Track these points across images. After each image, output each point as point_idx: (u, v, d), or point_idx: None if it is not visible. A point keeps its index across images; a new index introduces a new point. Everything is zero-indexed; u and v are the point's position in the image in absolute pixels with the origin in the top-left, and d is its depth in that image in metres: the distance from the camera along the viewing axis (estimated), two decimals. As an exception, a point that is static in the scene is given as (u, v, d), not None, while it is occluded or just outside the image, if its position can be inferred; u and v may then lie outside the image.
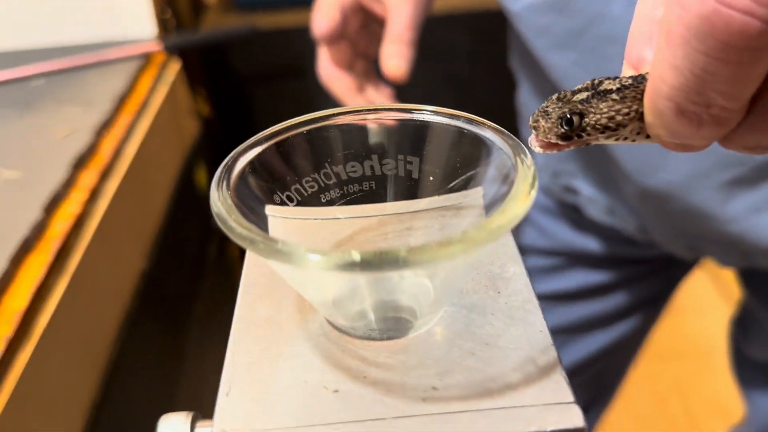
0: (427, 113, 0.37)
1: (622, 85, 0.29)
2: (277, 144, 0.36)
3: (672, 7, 0.22)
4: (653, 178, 0.59)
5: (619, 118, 0.29)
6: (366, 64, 0.72)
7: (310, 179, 0.37)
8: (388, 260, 0.28)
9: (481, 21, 1.25)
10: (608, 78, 0.30)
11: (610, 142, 0.31)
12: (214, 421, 0.31)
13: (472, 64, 1.28)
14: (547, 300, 0.81)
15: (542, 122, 0.31)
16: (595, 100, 0.30)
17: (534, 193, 0.31)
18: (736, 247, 0.60)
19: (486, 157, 0.36)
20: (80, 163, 0.72)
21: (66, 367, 0.58)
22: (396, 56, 0.62)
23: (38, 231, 0.62)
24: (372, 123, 0.38)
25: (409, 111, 0.37)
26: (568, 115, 0.30)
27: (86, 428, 0.60)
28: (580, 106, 0.30)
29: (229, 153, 0.35)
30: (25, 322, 0.55)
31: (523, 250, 0.81)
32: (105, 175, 0.73)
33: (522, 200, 0.30)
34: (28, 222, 0.61)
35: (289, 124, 0.37)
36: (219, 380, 0.33)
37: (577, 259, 0.79)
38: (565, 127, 0.30)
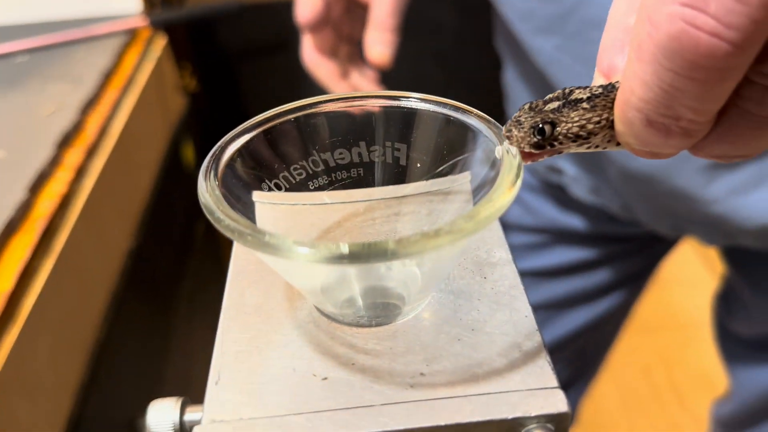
0: (414, 100, 0.37)
1: (593, 94, 0.29)
2: (264, 132, 0.36)
3: (643, 23, 0.22)
4: (636, 161, 0.59)
5: (590, 126, 0.30)
6: (350, 48, 0.72)
7: (298, 166, 0.37)
8: (377, 252, 0.28)
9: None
10: (579, 87, 0.31)
11: (582, 150, 0.31)
12: (204, 411, 0.31)
13: (459, 41, 1.27)
14: (531, 276, 0.82)
15: (515, 132, 0.31)
16: (566, 109, 0.30)
17: (519, 182, 0.31)
18: (718, 227, 0.61)
19: (472, 143, 0.36)
20: (66, 141, 0.72)
21: (53, 349, 0.58)
22: (379, 43, 0.63)
23: (23, 211, 0.62)
24: (359, 110, 0.38)
25: (397, 98, 0.37)
26: (540, 125, 0.30)
27: (74, 410, 0.60)
28: (551, 115, 0.30)
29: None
30: (10, 303, 0.55)
31: (508, 228, 0.82)
32: (91, 153, 0.73)
33: (507, 190, 0.30)
34: (13, 202, 0.61)
35: (276, 112, 0.37)
36: (207, 359, 0.34)
37: (561, 236, 0.80)
38: (538, 137, 0.30)
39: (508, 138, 0.32)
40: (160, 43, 1.00)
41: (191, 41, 1.26)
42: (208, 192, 0.31)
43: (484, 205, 0.30)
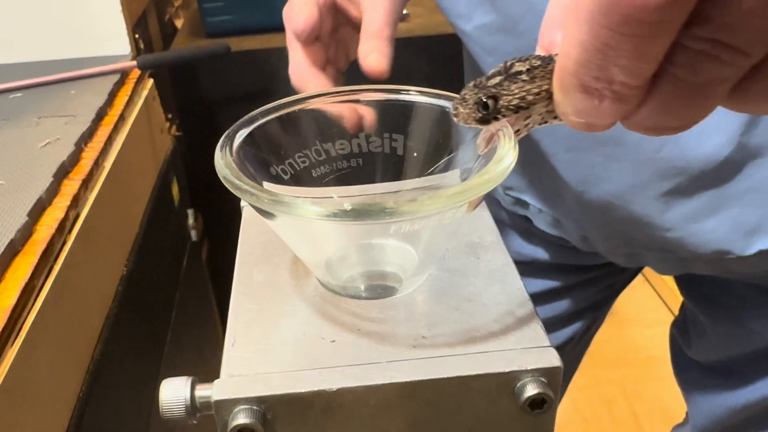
0: (413, 93, 0.40)
1: (532, 66, 0.31)
2: (273, 120, 0.39)
3: None
4: (594, 189, 0.61)
5: (529, 97, 0.31)
6: (336, 72, 0.71)
7: (302, 155, 0.40)
8: (376, 210, 0.30)
9: (439, 45, 1.28)
10: (519, 60, 0.32)
11: (530, 124, 0.33)
12: (222, 368, 0.33)
13: (429, 86, 1.31)
14: None
15: (461, 109, 0.32)
16: (506, 82, 0.31)
17: (515, 153, 0.34)
18: (674, 254, 0.63)
19: (466, 133, 0.39)
20: (63, 173, 0.74)
21: (53, 362, 0.60)
22: (375, 51, 0.62)
23: (24, 234, 0.63)
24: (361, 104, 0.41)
25: (396, 92, 0.40)
26: (483, 99, 0.31)
27: (72, 420, 0.61)
28: (493, 90, 0.31)
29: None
30: (12, 318, 0.56)
31: None
32: (86, 184, 0.75)
33: (500, 165, 0.33)
34: (15, 226, 0.63)
35: (283, 102, 0.39)
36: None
37: (527, 266, 0.81)
38: (482, 111, 0.32)
39: (456, 116, 0.33)
40: (148, 84, 1.03)
41: (175, 88, 1.29)
42: (225, 164, 0.34)
43: (475, 178, 0.33)
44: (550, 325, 0.85)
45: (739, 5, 0.22)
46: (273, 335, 0.35)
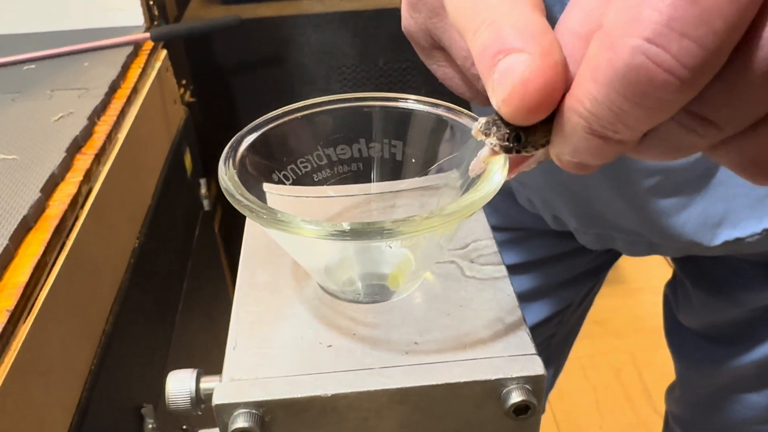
0: (411, 102, 0.41)
1: None
2: (275, 128, 0.40)
3: (603, 48, 0.25)
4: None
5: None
6: None
7: (304, 160, 0.41)
8: (374, 230, 0.32)
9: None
10: None
11: (540, 158, 0.33)
12: (223, 371, 0.35)
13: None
14: None
15: (494, 130, 0.31)
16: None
17: (504, 172, 0.35)
18: (645, 238, 0.64)
19: (463, 141, 0.40)
20: (76, 147, 0.76)
21: (64, 337, 0.62)
22: None
23: (37, 210, 0.65)
24: (361, 110, 0.42)
25: (395, 99, 0.41)
26: (516, 132, 0.31)
27: (84, 393, 0.64)
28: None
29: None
30: (25, 295, 0.58)
31: None
32: (99, 158, 0.77)
33: (492, 180, 0.35)
34: (28, 202, 0.65)
35: (285, 110, 0.41)
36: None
37: (526, 233, 0.84)
38: (513, 143, 0.31)
39: (486, 135, 0.32)
40: (161, 56, 1.04)
41: (189, 56, 1.30)
42: (227, 177, 0.35)
43: (471, 194, 0.34)
44: (550, 290, 0.88)
45: (727, 85, 0.24)
46: (273, 339, 0.37)
